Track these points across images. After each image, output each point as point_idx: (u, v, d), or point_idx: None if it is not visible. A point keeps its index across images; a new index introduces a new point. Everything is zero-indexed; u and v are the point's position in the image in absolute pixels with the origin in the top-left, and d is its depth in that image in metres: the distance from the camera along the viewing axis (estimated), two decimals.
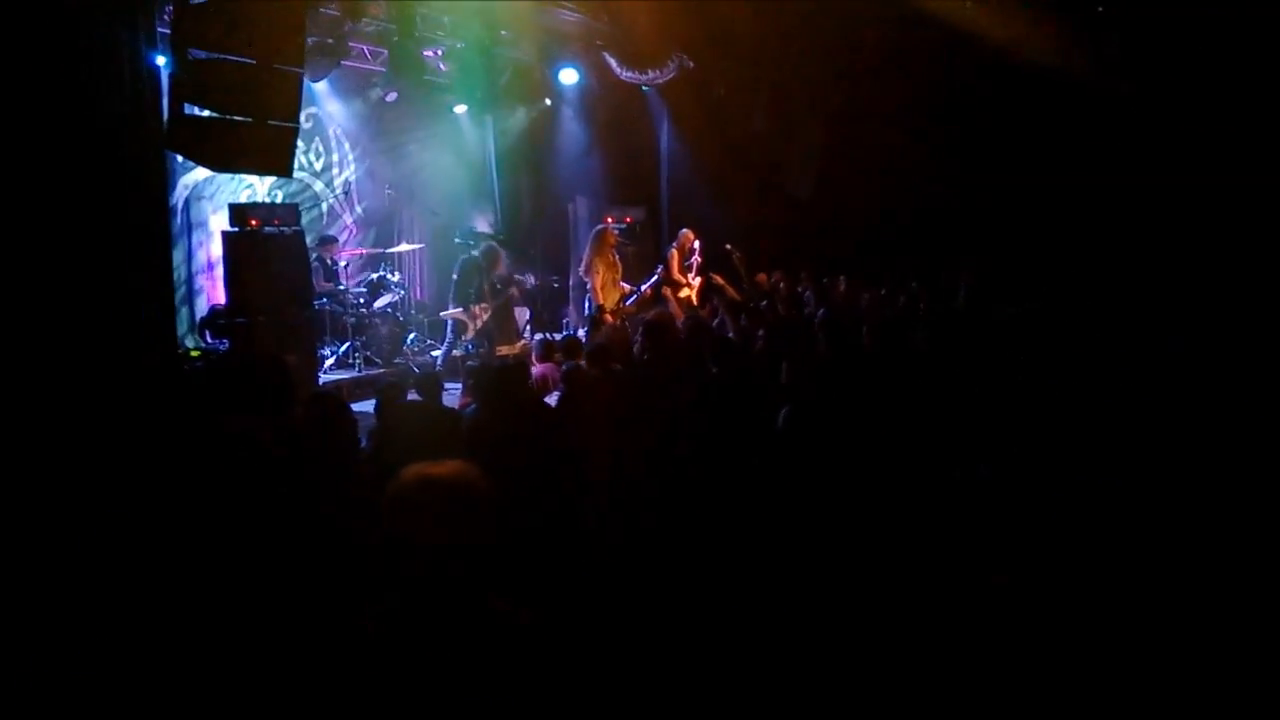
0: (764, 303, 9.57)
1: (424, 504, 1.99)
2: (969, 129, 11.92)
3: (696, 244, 11.20)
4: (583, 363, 6.23)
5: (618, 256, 10.94)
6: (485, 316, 10.24)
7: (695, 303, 11.01)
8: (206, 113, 7.10)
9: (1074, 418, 5.06)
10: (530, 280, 12.21)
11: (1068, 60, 11.15)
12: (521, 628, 2.03)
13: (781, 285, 11.01)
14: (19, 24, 5.45)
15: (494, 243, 10.74)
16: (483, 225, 12.56)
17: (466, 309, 10.11)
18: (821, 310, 8.81)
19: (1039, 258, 10.90)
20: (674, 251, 11.21)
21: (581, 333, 10.33)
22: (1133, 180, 10.78)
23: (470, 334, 10.24)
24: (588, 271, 10.73)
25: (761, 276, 11.30)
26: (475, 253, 10.39)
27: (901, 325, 7.34)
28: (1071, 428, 4.97)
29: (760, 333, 6.86)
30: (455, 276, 10.36)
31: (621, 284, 10.96)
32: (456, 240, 11.33)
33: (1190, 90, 10.68)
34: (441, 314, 10.74)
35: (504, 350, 10.35)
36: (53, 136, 5.68)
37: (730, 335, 7.67)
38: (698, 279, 11.20)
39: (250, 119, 7.12)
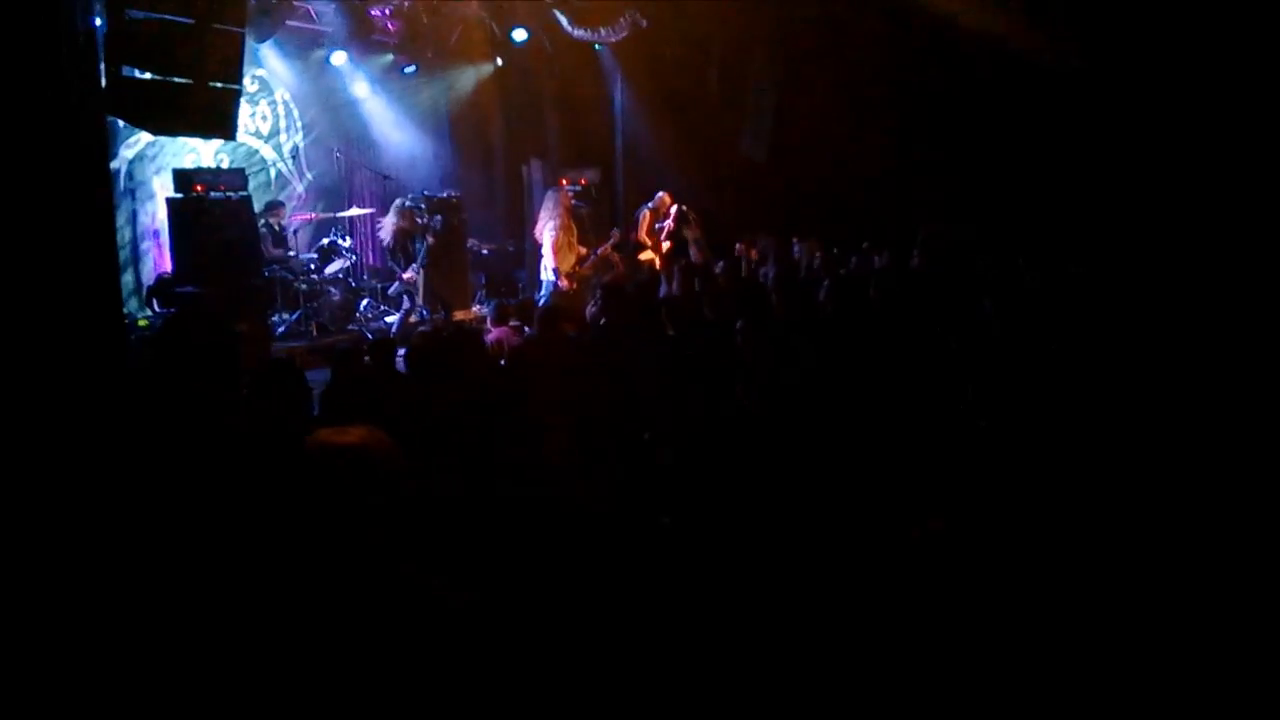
0: (720, 265, 9.52)
1: (327, 470, 1.98)
2: (920, 93, 11.91)
3: (674, 209, 11.08)
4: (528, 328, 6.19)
5: (573, 219, 10.83)
6: (419, 278, 10.20)
7: (659, 266, 10.94)
8: (146, 75, 6.93)
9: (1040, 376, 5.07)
10: (472, 243, 12.07)
11: (1014, 28, 11.16)
12: (454, 608, 2.01)
13: (742, 249, 10.96)
14: None
15: (403, 200, 10.66)
16: (434, 188, 12.38)
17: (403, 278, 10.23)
18: (769, 270, 8.82)
19: (1000, 220, 10.94)
20: (647, 212, 11.11)
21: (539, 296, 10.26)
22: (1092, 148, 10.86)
23: (420, 298, 10.17)
24: (541, 234, 10.62)
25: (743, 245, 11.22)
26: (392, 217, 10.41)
27: (859, 284, 7.35)
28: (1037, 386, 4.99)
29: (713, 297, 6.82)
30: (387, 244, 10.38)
31: (578, 247, 10.86)
32: (408, 205, 11.15)
33: (1139, 61, 10.73)
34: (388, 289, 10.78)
35: (458, 315, 10.26)
36: None
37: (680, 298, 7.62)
38: (667, 243, 11.10)
39: (190, 81, 6.94)
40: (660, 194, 11.23)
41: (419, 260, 10.34)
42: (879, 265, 9.00)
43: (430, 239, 10.48)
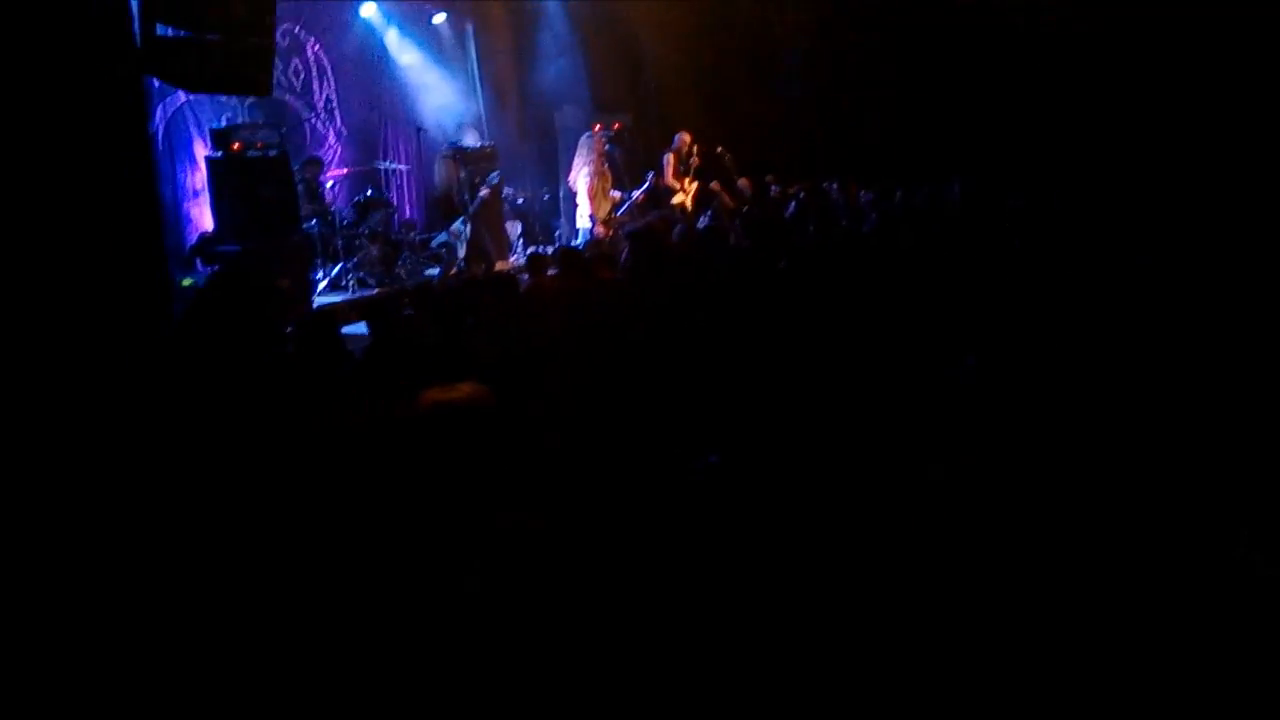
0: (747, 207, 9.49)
1: (440, 427, 2.02)
2: (951, 40, 11.70)
3: (695, 147, 11.03)
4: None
5: (608, 165, 10.80)
6: (467, 232, 10.21)
7: (689, 209, 10.90)
8: (180, 34, 6.95)
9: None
10: (507, 190, 12.08)
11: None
12: (534, 534, 2.06)
13: (774, 188, 10.89)
14: None
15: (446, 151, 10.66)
16: (470, 139, 12.36)
17: (449, 230, 10.12)
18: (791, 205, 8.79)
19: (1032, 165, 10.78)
20: (670, 155, 11.06)
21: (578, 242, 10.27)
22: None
23: (461, 254, 10.17)
24: (576, 181, 10.61)
25: (744, 180, 11.15)
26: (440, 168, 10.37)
27: (896, 222, 7.33)
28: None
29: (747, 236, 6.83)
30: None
31: (612, 193, 10.83)
32: (443, 156, 11.16)
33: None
34: (432, 241, 10.73)
35: (500, 266, 10.30)
36: (24, 65, 5.55)
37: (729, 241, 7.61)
38: (694, 184, 11.06)
39: (224, 37, 6.97)
40: (680, 135, 11.16)
41: (467, 213, 10.42)
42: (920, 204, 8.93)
43: (485, 191, 10.56)
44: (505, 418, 2.08)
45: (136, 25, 6.64)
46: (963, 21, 11.64)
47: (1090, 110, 10.91)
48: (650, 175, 11.19)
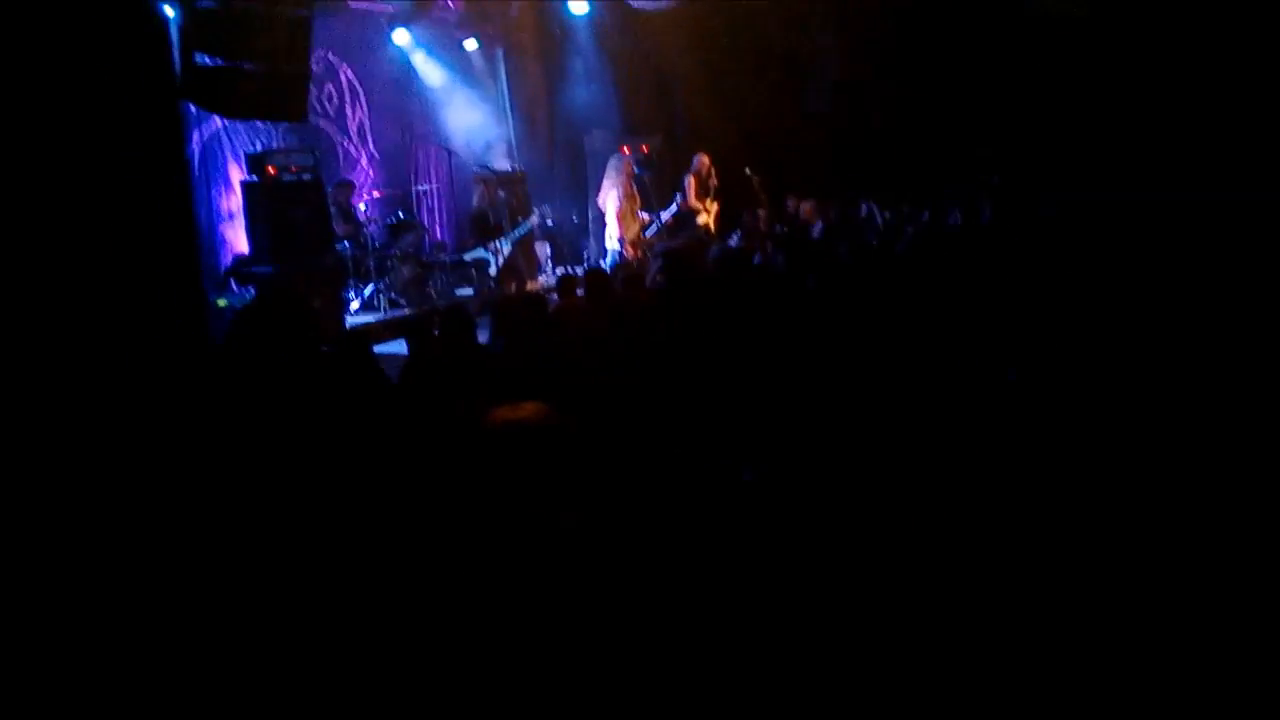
0: (782, 227, 9.52)
1: (512, 445, 2.09)
2: (982, 53, 11.72)
3: (714, 169, 11.10)
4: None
5: (636, 187, 10.87)
6: (504, 252, 10.29)
7: (713, 229, 10.95)
8: (217, 61, 7.09)
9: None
10: (541, 215, 12.19)
11: None
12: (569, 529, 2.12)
13: (805, 209, 10.92)
14: None
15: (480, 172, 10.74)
16: (500, 162, 12.48)
17: (487, 247, 10.11)
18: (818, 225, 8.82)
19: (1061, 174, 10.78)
20: (691, 178, 11.12)
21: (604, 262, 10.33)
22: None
23: (493, 273, 10.25)
24: (604, 203, 10.68)
25: (808, 207, 11.17)
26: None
27: (928, 242, 7.34)
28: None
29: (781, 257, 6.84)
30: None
31: (641, 215, 10.89)
32: (479, 178, 11.29)
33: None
34: (465, 256, 10.80)
35: (530, 286, 10.37)
36: (67, 94, 5.68)
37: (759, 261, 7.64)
38: (714, 204, 11.13)
39: (260, 65, 7.10)
40: (698, 157, 11.24)
41: (507, 234, 10.59)
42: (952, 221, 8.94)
43: (535, 218, 10.82)
44: (570, 434, 2.15)
45: (176, 53, 6.79)
46: (994, 38, 11.66)
47: (1122, 123, 10.86)
48: (678, 197, 11.26)
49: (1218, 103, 10.27)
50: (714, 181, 11.09)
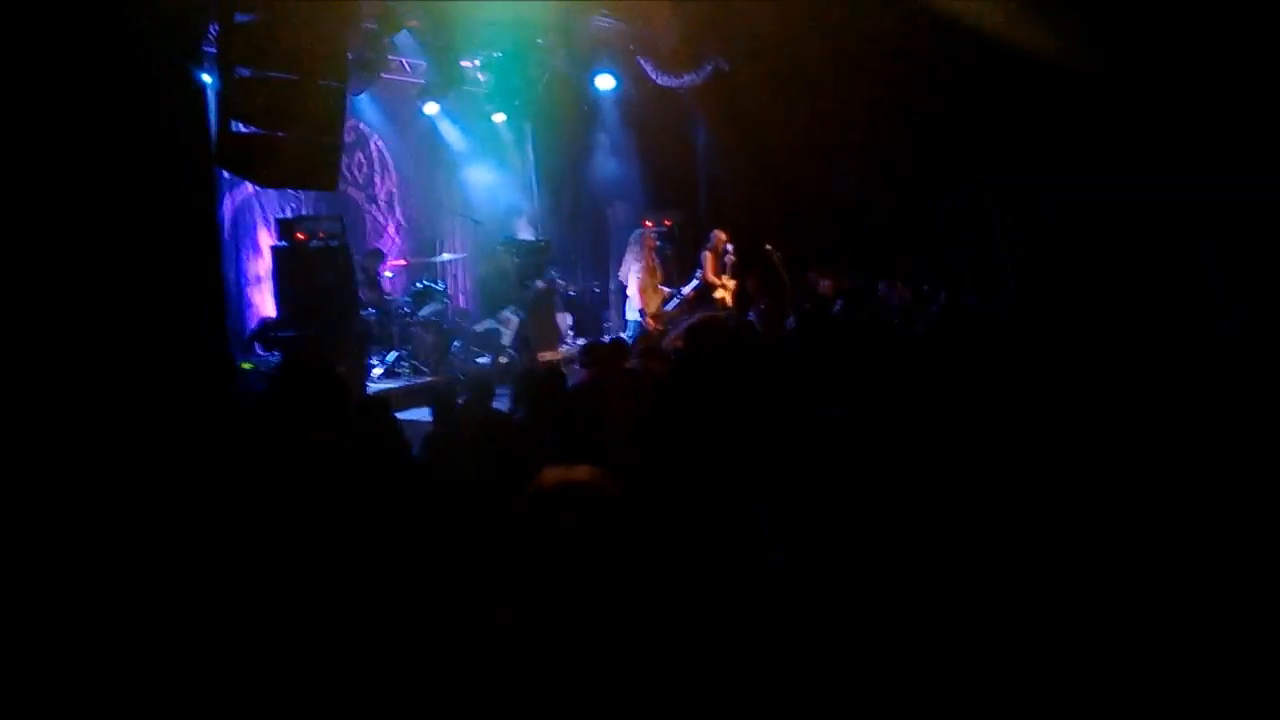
0: (806, 304, 9.58)
1: (567, 506, 2.09)
2: (1003, 129, 11.85)
3: (730, 245, 11.21)
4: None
5: (657, 260, 10.99)
6: (515, 321, 10.32)
7: (731, 304, 11.04)
8: (252, 129, 7.25)
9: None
10: (559, 282, 12.33)
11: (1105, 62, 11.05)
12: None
13: (824, 286, 10.99)
14: (73, 45, 5.58)
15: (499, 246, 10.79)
16: (524, 232, 12.66)
17: (496, 316, 10.12)
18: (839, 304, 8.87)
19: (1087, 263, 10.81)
20: (708, 254, 11.24)
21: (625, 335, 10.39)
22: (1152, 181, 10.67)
23: (506, 342, 10.26)
24: (626, 276, 10.80)
25: (828, 283, 11.24)
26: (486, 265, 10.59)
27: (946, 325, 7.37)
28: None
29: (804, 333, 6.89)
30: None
31: (662, 288, 11.00)
32: (498, 248, 11.44)
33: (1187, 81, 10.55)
34: (476, 328, 10.87)
35: (546, 356, 10.44)
36: (107, 155, 5.81)
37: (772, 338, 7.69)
38: (732, 281, 11.22)
39: (294, 134, 7.25)
40: (714, 233, 11.36)
41: (517, 307, 10.69)
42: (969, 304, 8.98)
43: (541, 284, 10.89)
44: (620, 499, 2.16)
45: (213, 119, 6.95)
46: (1013, 115, 11.79)
47: (1146, 203, 10.90)
48: (698, 272, 11.37)
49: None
50: (731, 258, 11.19)
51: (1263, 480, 4.23)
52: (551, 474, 2.16)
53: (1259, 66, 9.71)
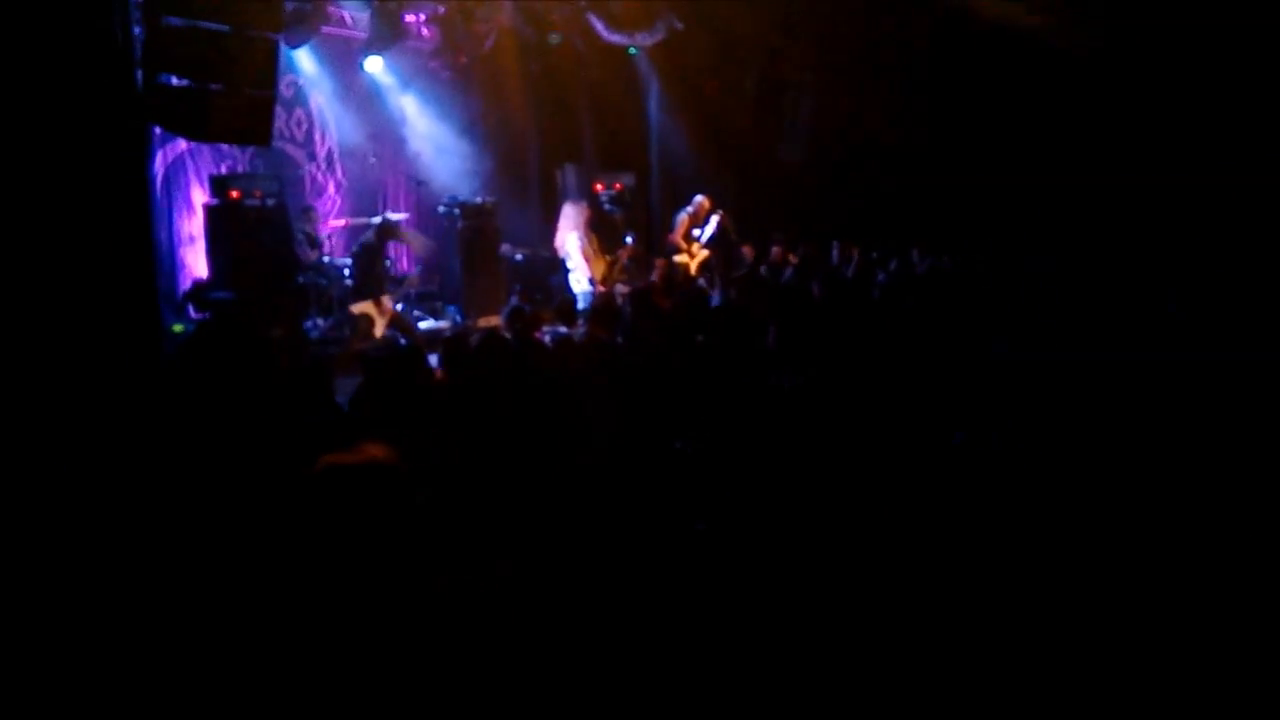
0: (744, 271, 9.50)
1: (336, 491, 2.06)
2: (958, 100, 11.83)
3: (714, 217, 11.05)
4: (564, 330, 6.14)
5: (595, 231, 10.89)
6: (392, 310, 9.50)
7: (693, 273, 10.92)
8: (182, 82, 6.98)
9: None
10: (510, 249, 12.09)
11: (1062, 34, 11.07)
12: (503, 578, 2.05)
13: (776, 251, 10.91)
14: None
15: (387, 217, 10.17)
16: (469, 194, 12.40)
17: (376, 301, 9.29)
18: (790, 270, 8.79)
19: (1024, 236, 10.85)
20: (685, 217, 11.11)
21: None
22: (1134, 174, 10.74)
23: (379, 329, 9.26)
24: (563, 245, 10.65)
25: (748, 248, 11.17)
26: (369, 236, 9.62)
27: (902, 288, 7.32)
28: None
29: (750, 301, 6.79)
30: (351, 267, 9.73)
31: (604, 255, 10.90)
32: (441, 209, 11.19)
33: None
34: (352, 308, 9.62)
35: (486, 322, 10.21)
36: (29, 107, 5.58)
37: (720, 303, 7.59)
38: (705, 251, 11.07)
39: (226, 87, 6.99)
40: (699, 198, 11.22)
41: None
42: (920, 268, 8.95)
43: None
44: (410, 476, 2.13)
45: (139, 72, 6.67)
46: (972, 81, 11.77)
47: (1112, 170, 10.94)
48: (628, 238, 11.25)
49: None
50: (712, 229, 11.03)
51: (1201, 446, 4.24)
52: (329, 457, 2.12)
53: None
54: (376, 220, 10.20)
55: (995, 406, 4.92)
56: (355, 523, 2.03)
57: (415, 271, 11.39)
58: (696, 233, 11.12)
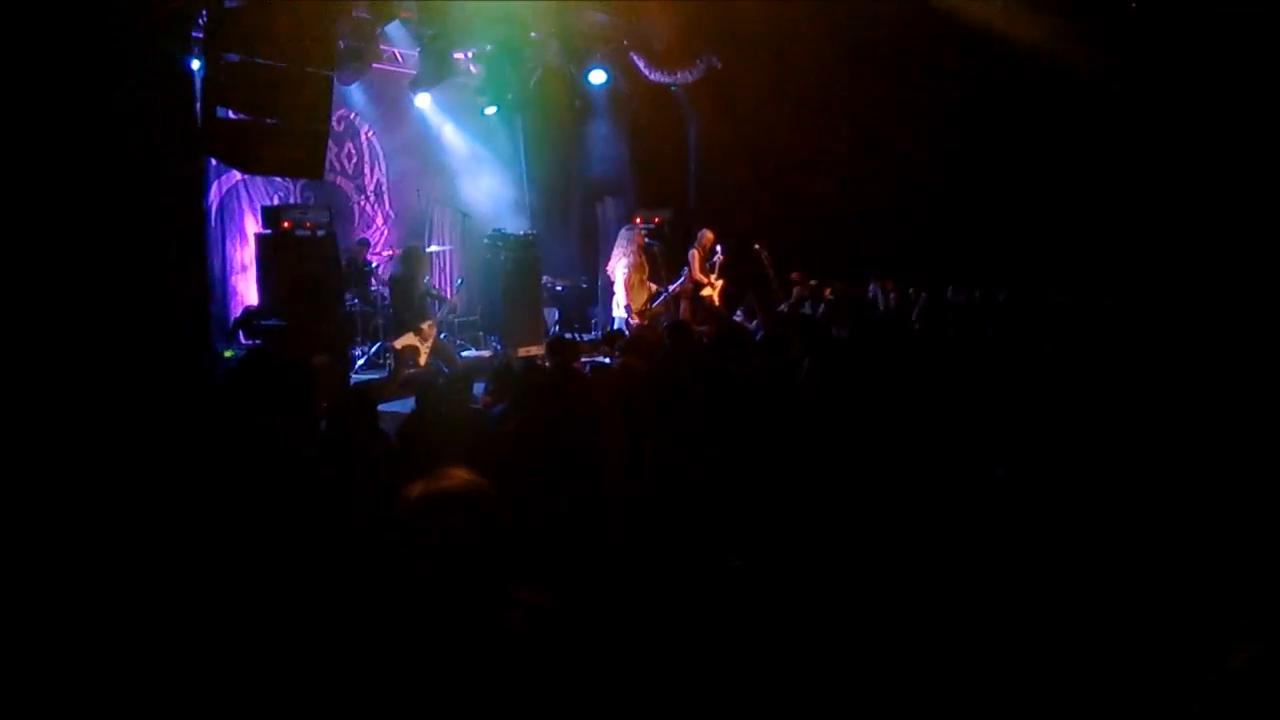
0: (784, 305, 9.59)
1: (433, 518, 2.06)
2: (995, 131, 11.88)
3: (719, 245, 11.20)
4: (605, 360, 6.24)
5: (645, 257, 10.99)
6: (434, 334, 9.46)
7: (718, 303, 11.03)
8: (240, 115, 7.24)
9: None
10: (552, 282, 12.28)
11: (1092, 62, 11.11)
12: (545, 612, 2.10)
13: (813, 285, 10.99)
14: (62, 30, 5.56)
15: (415, 246, 10.19)
16: (513, 226, 12.63)
17: (417, 330, 9.31)
18: (823, 306, 8.86)
19: (1064, 262, 10.87)
20: (695, 252, 11.23)
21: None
22: (1165, 188, 10.73)
23: (423, 358, 9.33)
24: (614, 271, 10.80)
25: (796, 275, 11.25)
26: (396, 269, 9.66)
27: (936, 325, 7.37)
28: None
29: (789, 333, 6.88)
30: (389, 301, 9.71)
31: (649, 284, 11.00)
32: (485, 241, 11.40)
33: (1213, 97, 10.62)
34: (395, 344, 9.45)
35: (525, 351, 10.37)
36: (92, 141, 5.79)
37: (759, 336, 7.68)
38: (720, 280, 11.21)
39: (281, 121, 7.24)
40: (703, 232, 11.36)
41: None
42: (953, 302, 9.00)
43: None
44: (503, 503, 2.12)
45: (199, 106, 6.93)
46: (1005, 120, 11.83)
47: (1142, 209, 10.94)
48: (685, 270, 11.37)
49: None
50: (719, 258, 11.18)
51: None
52: (417, 487, 2.12)
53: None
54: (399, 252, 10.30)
55: (1032, 438, 4.96)
56: (464, 546, 2.06)
57: (457, 292, 11.58)
58: (711, 264, 11.27)
